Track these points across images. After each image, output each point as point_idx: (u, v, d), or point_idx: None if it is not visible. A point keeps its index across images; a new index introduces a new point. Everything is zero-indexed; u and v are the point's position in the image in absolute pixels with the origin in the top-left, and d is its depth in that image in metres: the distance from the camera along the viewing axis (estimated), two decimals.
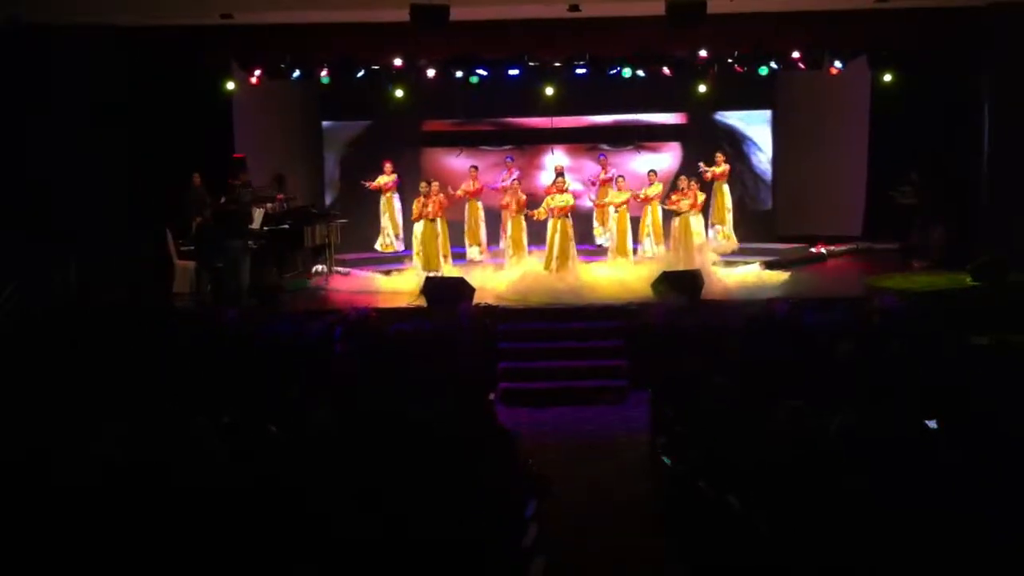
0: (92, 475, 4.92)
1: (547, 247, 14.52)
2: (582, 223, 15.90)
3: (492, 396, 9.45)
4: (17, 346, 10.31)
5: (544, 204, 14.54)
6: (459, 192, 15.83)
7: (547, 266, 14.33)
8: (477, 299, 12.75)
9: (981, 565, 4.37)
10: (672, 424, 7.66)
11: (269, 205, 15.11)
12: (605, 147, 17.66)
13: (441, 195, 14.89)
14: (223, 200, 14.45)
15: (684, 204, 14.87)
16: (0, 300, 12.03)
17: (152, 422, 6.13)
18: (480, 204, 16.19)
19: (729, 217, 16.70)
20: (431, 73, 15.83)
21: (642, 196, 15.66)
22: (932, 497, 4.71)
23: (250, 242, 13.61)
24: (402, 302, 13.18)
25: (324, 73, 15.99)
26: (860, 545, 4.42)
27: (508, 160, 16.96)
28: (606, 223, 16.06)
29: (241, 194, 14.88)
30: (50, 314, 12.13)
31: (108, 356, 9.03)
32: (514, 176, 16.24)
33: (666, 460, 7.50)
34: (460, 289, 12.80)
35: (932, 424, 6.06)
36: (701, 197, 15.12)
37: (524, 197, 15.33)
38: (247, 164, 15.71)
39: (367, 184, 16.29)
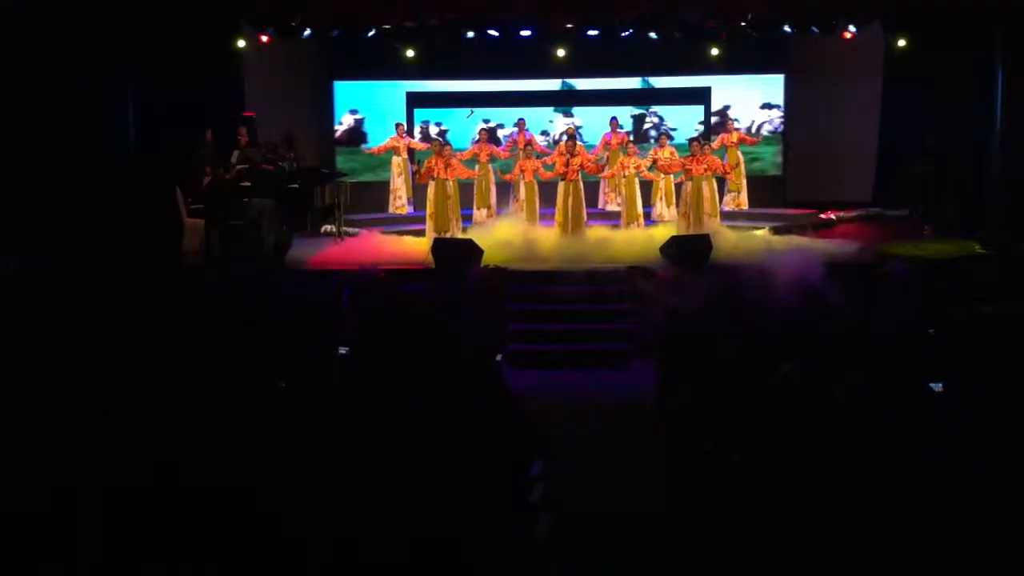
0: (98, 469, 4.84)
1: (558, 210, 14.53)
2: (589, 187, 15.84)
3: (499, 357, 9.50)
4: (20, 319, 10.21)
5: (558, 164, 14.52)
6: (466, 155, 15.76)
7: (561, 230, 14.35)
8: (486, 261, 12.77)
9: (981, 538, 4.41)
10: (677, 386, 7.72)
11: (281, 163, 15.09)
12: (616, 111, 17.57)
13: (454, 160, 14.86)
14: (234, 159, 14.42)
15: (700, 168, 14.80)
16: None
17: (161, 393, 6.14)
18: (491, 167, 16.15)
19: (744, 183, 16.66)
20: (442, 32, 15.71)
21: (653, 160, 15.61)
22: (934, 463, 4.75)
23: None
24: (411, 263, 13.20)
25: (335, 32, 15.89)
26: (860, 510, 4.47)
27: (520, 121, 16.88)
28: (618, 189, 16.01)
29: (251, 154, 14.84)
30: (55, 280, 12.09)
31: (117, 319, 9.01)
32: (527, 139, 16.20)
33: (671, 422, 7.57)
34: (468, 251, 12.82)
35: (937, 387, 6.10)
36: (715, 162, 15.06)
37: (536, 160, 15.31)
38: (255, 123, 15.65)
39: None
